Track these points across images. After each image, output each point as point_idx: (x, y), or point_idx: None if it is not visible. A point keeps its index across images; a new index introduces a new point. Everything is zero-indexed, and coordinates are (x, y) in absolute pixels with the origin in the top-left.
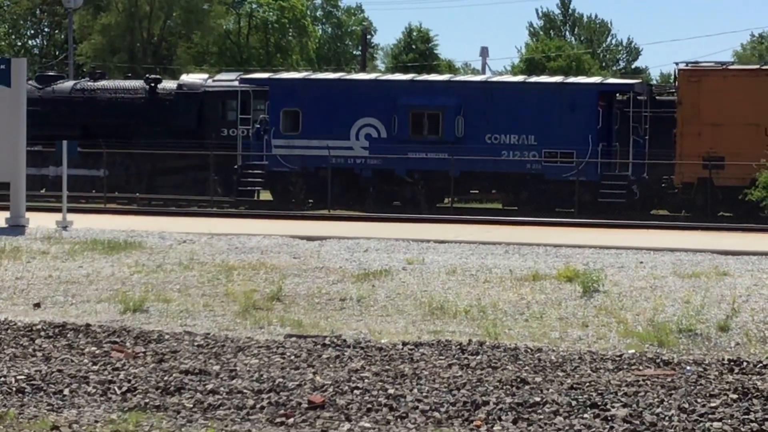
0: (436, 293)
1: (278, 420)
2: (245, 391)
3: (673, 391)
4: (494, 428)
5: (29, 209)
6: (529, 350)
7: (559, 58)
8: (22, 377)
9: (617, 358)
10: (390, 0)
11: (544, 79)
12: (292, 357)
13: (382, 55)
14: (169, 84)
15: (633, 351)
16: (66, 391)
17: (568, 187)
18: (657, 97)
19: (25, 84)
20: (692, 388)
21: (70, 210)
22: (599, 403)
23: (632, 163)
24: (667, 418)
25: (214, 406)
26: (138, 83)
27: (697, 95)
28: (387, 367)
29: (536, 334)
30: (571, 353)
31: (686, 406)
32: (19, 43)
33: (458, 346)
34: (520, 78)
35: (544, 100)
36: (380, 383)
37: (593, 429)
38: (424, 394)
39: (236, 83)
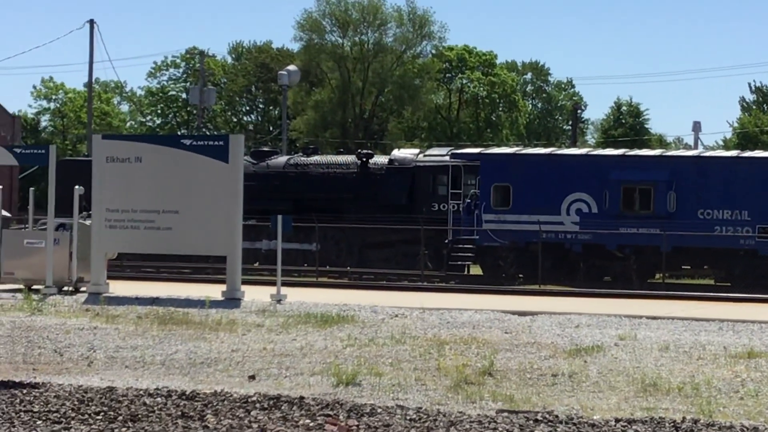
0: (648, 369)
1: None
2: None
3: None
4: None
5: (244, 282)
6: (744, 429)
7: None
8: None
9: None
10: (600, 74)
11: (757, 153)
12: None
13: (592, 129)
14: (380, 159)
15: None
16: None
17: None
18: None
19: (242, 160)
20: None
21: (284, 283)
22: None
23: None
24: None
25: None
26: (350, 158)
27: None
28: None
29: (752, 413)
30: None
31: None
32: (235, 119)
33: (672, 424)
34: (733, 153)
35: (758, 174)
36: None
37: None
38: None
39: (447, 158)
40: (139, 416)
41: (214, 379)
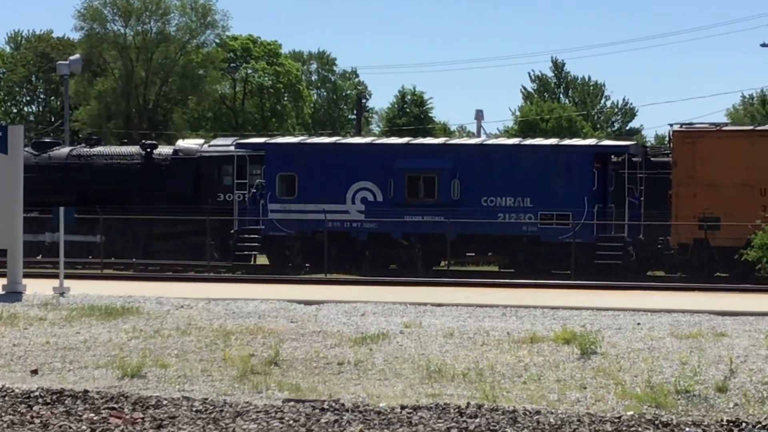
0: (433, 356)
1: None
2: None
3: None
4: None
5: (26, 276)
6: (527, 413)
7: (552, 120)
8: None
9: (616, 420)
10: (384, 64)
11: (539, 141)
12: (291, 422)
13: (377, 118)
14: (165, 149)
15: (631, 413)
16: None
17: (565, 249)
18: (652, 159)
19: (22, 151)
20: None
21: (67, 276)
22: None
23: (628, 224)
24: None
25: None
26: (134, 149)
27: (692, 156)
28: (385, 430)
29: (534, 397)
30: (569, 415)
31: None
32: (15, 110)
33: (456, 410)
34: (515, 141)
35: (540, 162)
36: None
37: None
38: None
39: (232, 148)
40: None
41: None
